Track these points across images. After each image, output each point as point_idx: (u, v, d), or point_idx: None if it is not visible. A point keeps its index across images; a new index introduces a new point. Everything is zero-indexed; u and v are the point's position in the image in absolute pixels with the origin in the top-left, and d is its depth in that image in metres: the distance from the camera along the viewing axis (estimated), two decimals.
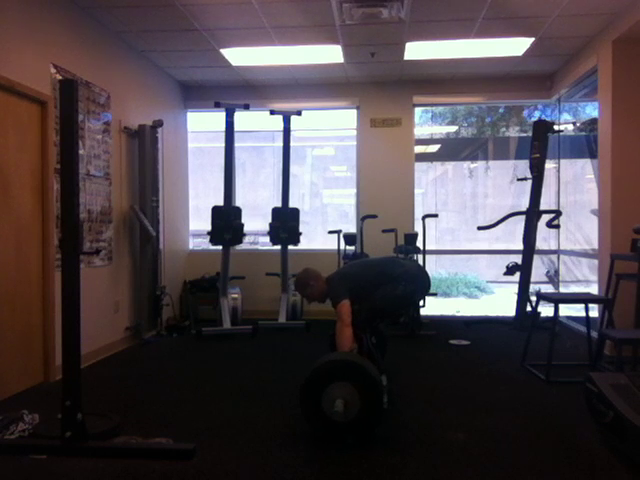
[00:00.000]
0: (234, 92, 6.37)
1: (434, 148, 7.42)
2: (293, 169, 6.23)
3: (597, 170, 4.91)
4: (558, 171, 6.27)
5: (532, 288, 5.69)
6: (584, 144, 5.98)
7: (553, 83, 6.09)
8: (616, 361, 3.21)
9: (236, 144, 5.77)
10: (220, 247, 5.43)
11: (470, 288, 7.80)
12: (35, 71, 3.67)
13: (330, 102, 6.49)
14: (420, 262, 5.60)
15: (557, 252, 6.32)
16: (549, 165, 5.98)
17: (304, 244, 5.95)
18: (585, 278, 6.01)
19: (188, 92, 6.56)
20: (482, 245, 7.00)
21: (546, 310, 5.19)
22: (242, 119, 6.07)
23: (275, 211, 5.77)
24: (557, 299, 3.86)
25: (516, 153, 7.24)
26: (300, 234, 5.78)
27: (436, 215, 5.88)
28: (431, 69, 5.88)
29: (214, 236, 5.33)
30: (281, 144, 5.79)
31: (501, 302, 7.13)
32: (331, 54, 5.31)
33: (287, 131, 5.75)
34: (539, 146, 5.46)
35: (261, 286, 6.29)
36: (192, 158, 6.76)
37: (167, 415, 3.08)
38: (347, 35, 4.80)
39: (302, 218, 5.85)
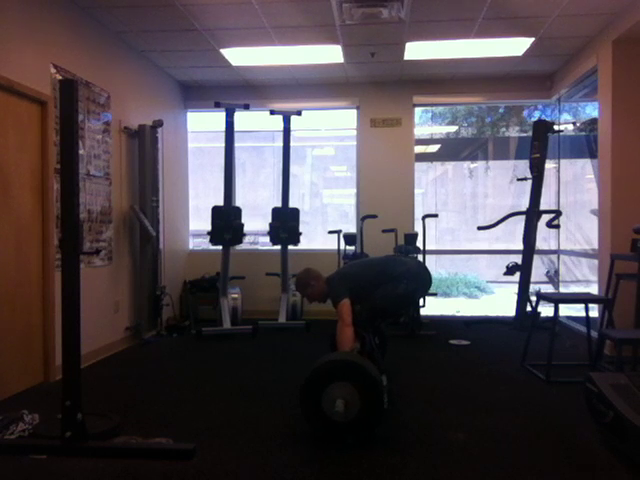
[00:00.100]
0: (234, 92, 6.37)
1: (434, 148, 7.42)
2: (293, 169, 6.23)
3: (597, 170, 4.91)
4: (558, 171, 6.27)
5: (532, 288, 5.69)
6: (584, 144, 5.98)
7: (553, 83, 6.09)
8: (616, 361, 3.21)
9: (236, 144, 5.77)
10: (220, 247, 5.43)
11: (470, 288, 7.80)
12: (35, 71, 3.67)
13: (330, 102, 6.49)
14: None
15: (557, 252, 6.32)
16: (549, 165, 5.98)
17: (304, 244, 5.95)
18: (585, 278, 6.01)
19: (188, 92, 6.56)
20: (482, 245, 7.00)
21: (546, 310, 5.19)
22: (242, 119, 6.07)
23: (275, 211, 5.77)
24: (557, 299, 3.86)
25: (516, 153, 7.25)
26: (300, 234, 5.78)
27: (436, 215, 5.88)
28: (431, 69, 5.88)
29: (214, 236, 5.33)
30: (281, 144, 5.79)
31: (501, 302, 7.13)
32: (331, 54, 5.31)
33: (287, 131, 5.75)
34: (539, 146, 5.46)
35: (261, 286, 6.29)
36: (192, 158, 6.76)
37: (167, 415, 3.08)
38: (347, 35, 4.80)
39: (302, 218, 5.85)
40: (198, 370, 4.10)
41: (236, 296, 5.85)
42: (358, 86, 6.38)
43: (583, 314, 3.95)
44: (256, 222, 6.48)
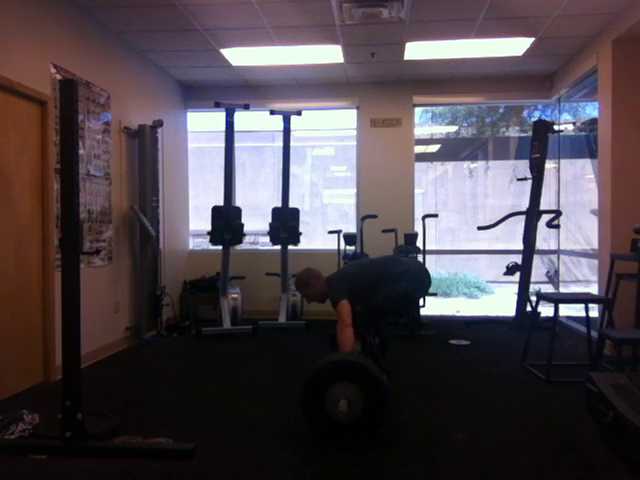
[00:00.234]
0: (234, 92, 6.37)
1: (434, 148, 7.42)
2: (293, 169, 6.23)
3: (597, 170, 4.91)
4: (558, 171, 6.27)
5: (532, 288, 5.70)
6: (584, 144, 5.98)
7: (553, 83, 6.09)
8: (616, 361, 3.21)
9: (236, 144, 5.77)
10: (220, 247, 5.43)
11: (470, 288, 7.80)
12: (35, 71, 3.67)
13: (330, 102, 6.49)
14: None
15: (557, 252, 6.32)
16: (549, 165, 5.98)
17: (304, 244, 5.95)
18: (585, 278, 6.01)
19: (188, 92, 6.56)
20: (482, 245, 7.00)
21: (546, 310, 5.19)
22: (242, 119, 6.07)
23: (275, 211, 5.77)
24: (557, 299, 3.86)
25: (516, 153, 7.25)
26: (300, 234, 5.78)
27: (436, 215, 5.88)
28: (431, 69, 5.88)
29: (214, 236, 5.33)
30: (281, 144, 5.79)
31: (501, 302, 7.13)
32: (331, 54, 5.31)
33: (287, 131, 5.75)
34: (539, 146, 5.46)
35: (261, 286, 6.29)
36: (192, 158, 6.76)
37: (167, 415, 3.08)
38: (347, 35, 4.80)
39: (302, 218, 5.85)
40: (198, 370, 4.10)
41: (236, 296, 5.85)
42: (358, 86, 6.38)
43: (583, 314, 3.95)
44: (256, 222, 6.48)
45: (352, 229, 6.39)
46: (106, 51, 4.66)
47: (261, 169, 7.29)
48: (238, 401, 3.34)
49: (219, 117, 5.57)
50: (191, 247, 6.77)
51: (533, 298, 5.27)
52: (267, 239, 5.88)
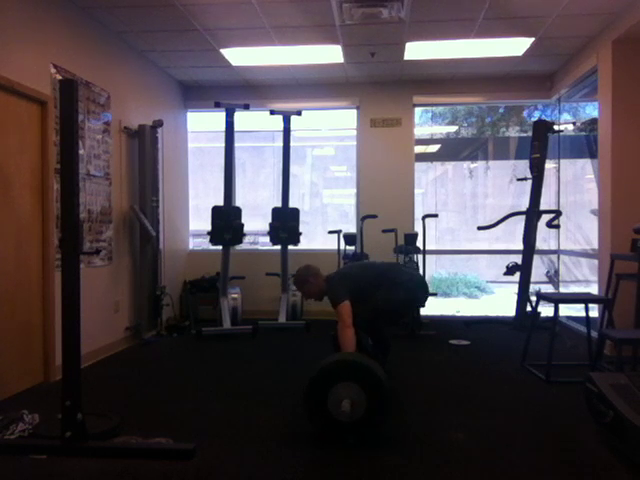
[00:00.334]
0: (234, 92, 6.37)
1: (434, 148, 7.41)
2: (293, 169, 6.23)
3: (597, 170, 4.91)
4: (558, 171, 6.27)
5: (532, 288, 5.69)
6: (584, 144, 5.97)
7: (553, 83, 6.09)
8: (616, 361, 3.21)
9: (236, 144, 5.77)
10: (220, 247, 5.43)
11: (470, 288, 7.79)
12: (35, 71, 3.67)
13: (330, 102, 6.49)
14: (420, 262, 5.61)
15: (557, 252, 6.32)
16: (549, 165, 5.98)
17: (304, 244, 5.95)
18: (585, 278, 6.00)
19: (188, 92, 6.56)
20: (482, 245, 7.00)
21: (546, 310, 5.19)
22: (242, 119, 6.07)
23: (275, 211, 5.77)
24: (557, 299, 3.86)
25: (516, 153, 7.24)
26: (300, 234, 5.78)
27: (436, 215, 5.87)
28: (431, 69, 5.88)
29: (214, 236, 5.33)
30: (281, 144, 5.79)
31: (501, 302, 7.13)
32: (331, 54, 5.31)
33: (287, 131, 5.75)
34: (539, 146, 5.46)
35: (261, 286, 6.29)
36: (192, 158, 6.76)
37: (167, 415, 3.08)
38: (347, 35, 4.80)
39: (302, 218, 5.85)
40: (198, 370, 4.10)
41: (236, 296, 5.85)
42: (358, 86, 6.38)
43: (583, 314, 3.95)
44: (256, 222, 6.48)
45: (352, 229, 6.39)
46: (106, 51, 4.66)
47: (261, 169, 7.29)
48: (238, 401, 3.34)
49: (219, 117, 5.57)
50: (191, 247, 6.77)
51: (533, 298, 5.27)
52: (267, 239, 5.88)
